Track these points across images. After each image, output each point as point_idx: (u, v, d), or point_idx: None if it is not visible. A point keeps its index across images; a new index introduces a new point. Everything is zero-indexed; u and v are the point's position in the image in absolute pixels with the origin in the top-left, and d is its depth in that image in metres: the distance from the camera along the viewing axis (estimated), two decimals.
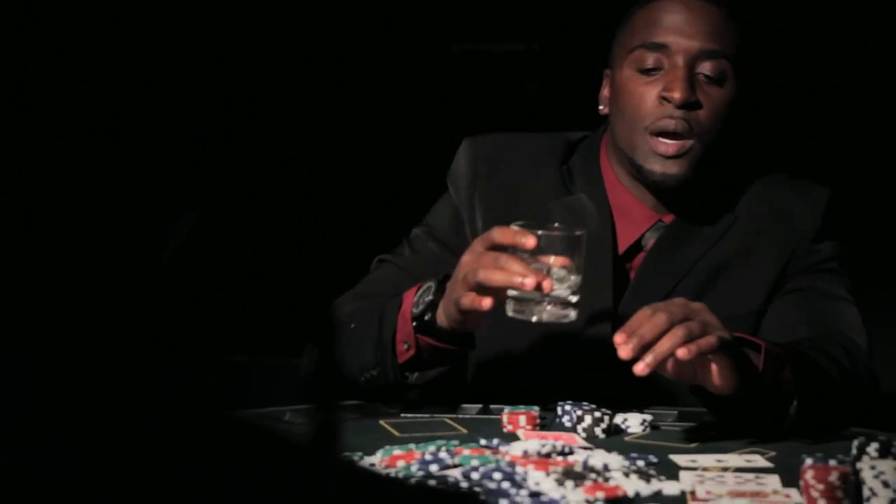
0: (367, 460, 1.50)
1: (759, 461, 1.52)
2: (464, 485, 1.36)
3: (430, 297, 1.76)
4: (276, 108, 3.41)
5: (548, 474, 1.40)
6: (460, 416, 1.79)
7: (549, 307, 1.64)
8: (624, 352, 1.56)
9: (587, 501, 1.34)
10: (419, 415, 1.80)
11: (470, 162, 2.03)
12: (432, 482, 1.38)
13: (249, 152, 3.40)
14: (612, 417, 1.68)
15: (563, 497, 1.34)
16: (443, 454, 1.47)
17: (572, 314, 1.66)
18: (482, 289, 1.66)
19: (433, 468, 1.42)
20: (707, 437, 1.66)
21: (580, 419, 1.67)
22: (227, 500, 0.81)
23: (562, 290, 1.64)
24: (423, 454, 1.48)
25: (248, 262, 3.15)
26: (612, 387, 1.78)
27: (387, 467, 1.46)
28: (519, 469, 1.42)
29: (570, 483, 1.37)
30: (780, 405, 1.67)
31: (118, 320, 0.94)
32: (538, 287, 1.61)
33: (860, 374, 1.83)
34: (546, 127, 2.15)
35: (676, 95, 1.87)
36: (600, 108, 2.01)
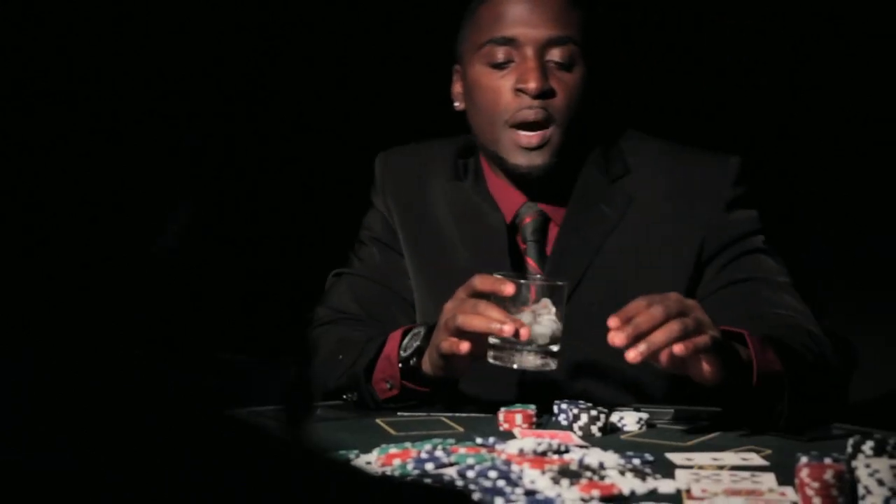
0: (364, 458, 1.50)
1: (754, 459, 1.52)
2: (459, 483, 1.36)
3: (418, 343, 1.82)
4: (279, 107, 3.41)
5: (543, 473, 1.40)
6: (457, 414, 1.79)
7: (529, 355, 1.68)
8: (618, 338, 1.59)
9: (583, 500, 1.34)
10: (416, 413, 1.81)
11: (380, 174, 2.15)
12: (429, 481, 1.38)
13: (250, 151, 3.40)
14: (608, 416, 1.69)
15: (559, 495, 1.34)
16: (439, 453, 1.47)
17: (552, 364, 1.69)
18: (462, 334, 1.71)
19: (429, 467, 1.42)
20: (703, 435, 1.67)
21: (576, 417, 1.67)
22: (227, 500, 0.81)
23: (541, 339, 1.68)
24: (419, 453, 1.48)
25: (249, 261, 3.15)
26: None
27: (382, 466, 1.46)
28: (515, 467, 1.42)
29: (565, 481, 1.37)
30: (774, 393, 1.69)
31: (118, 320, 0.95)
32: (517, 334, 1.65)
33: (827, 355, 1.85)
34: None
35: (531, 86, 1.93)
36: (455, 104, 2.07)
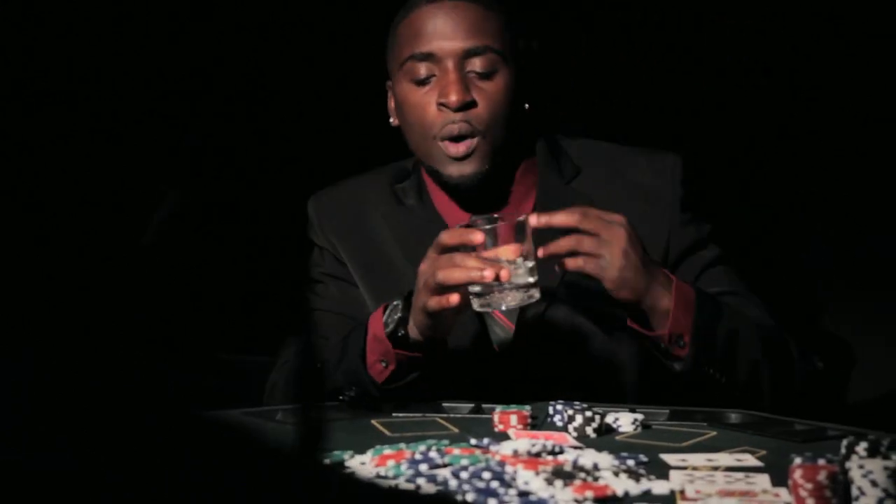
0: (358, 459, 1.50)
1: (749, 460, 1.52)
2: (453, 484, 1.36)
3: (399, 315, 1.85)
4: (280, 106, 3.41)
5: (537, 474, 1.40)
6: (452, 415, 1.79)
7: (512, 292, 1.73)
8: (533, 219, 1.75)
9: (576, 501, 1.34)
10: (411, 414, 1.81)
11: (313, 213, 2.17)
12: (422, 485, 1.38)
13: (250, 149, 3.40)
14: (602, 417, 1.69)
15: (552, 496, 1.34)
16: (433, 454, 1.47)
17: (536, 293, 1.75)
18: (444, 289, 1.75)
19: (423, 468, 1.42)
20: (698, 436, 1.67)
21: (571, 418, 1.68)
22: (226, 500, 0.81)
23: (520, 275, 1.73)
24: (413, 454, 1.48)
25: (249, 261, 3.15)
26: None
27: (377, 466, 1.46)
28: (508, 468, 1.42)
29: (559, 482, 1.38)
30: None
31: (117, 320, 0.95)
32: (497, 278, 1.70)
33: (790, 349, 1.95)
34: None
35: (452, 99, 1.96)
36: (391, 120, 2.11)
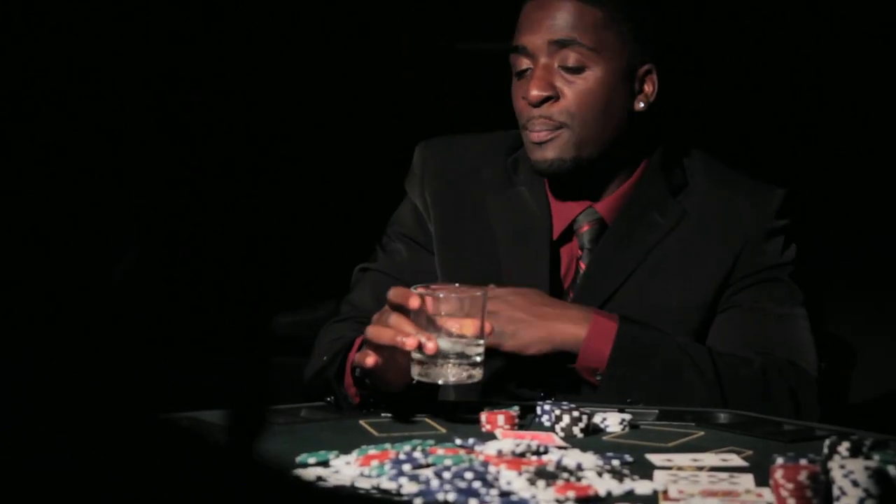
0: (343, 459, 1.50)
1: (734, 460, 1.52)
2: (434, 484, 1.36)
3: None
4: (277, 106, 3.42)
5: (520, 474, 1.40)
6: (440, 415, 1.79)
7: (452, 368, 1.66)
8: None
9: (557, 501, 1.34)
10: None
11: (419, 164, 2.12)
12: (404, 485, 1.38)
13: (253, 148, 3.40)
14: (590, 417, 1.68)
15: (534, 497, 1.33)
16: (417, 454, 1.47)
17: (477, 374, 1.68)
18: (373, 346, 1.71)
19: (406, 468, 1.42)
20: (686, 436, 1.66)
21: (558, 418, 1.67)
22: (226, 499, 0.81)
23: (462, 350, 1.66)
24: (398, 454, 1.48)
25: (253, 259, 3.15)
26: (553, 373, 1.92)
27: (361, 466, 1.46)
28: (492, 469, 1.42)
29: (541, 482, 1.37)
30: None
31: (118, 320, 0.95)
32: (426, 348, 1.64)
33: (775, 391, 1.91)
34: None
35: (531, 94, 1.96)
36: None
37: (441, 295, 1.67)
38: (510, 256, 2.02)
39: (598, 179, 2.01)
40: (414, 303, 1.66)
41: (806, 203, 3.72)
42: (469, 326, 1.66)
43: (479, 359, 1.67)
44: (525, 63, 1.98)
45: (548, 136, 1.95)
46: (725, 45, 3.69)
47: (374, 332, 1.69)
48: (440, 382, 1.67)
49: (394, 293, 1.69)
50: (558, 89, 1.95)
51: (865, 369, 3.48)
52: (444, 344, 1.65)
